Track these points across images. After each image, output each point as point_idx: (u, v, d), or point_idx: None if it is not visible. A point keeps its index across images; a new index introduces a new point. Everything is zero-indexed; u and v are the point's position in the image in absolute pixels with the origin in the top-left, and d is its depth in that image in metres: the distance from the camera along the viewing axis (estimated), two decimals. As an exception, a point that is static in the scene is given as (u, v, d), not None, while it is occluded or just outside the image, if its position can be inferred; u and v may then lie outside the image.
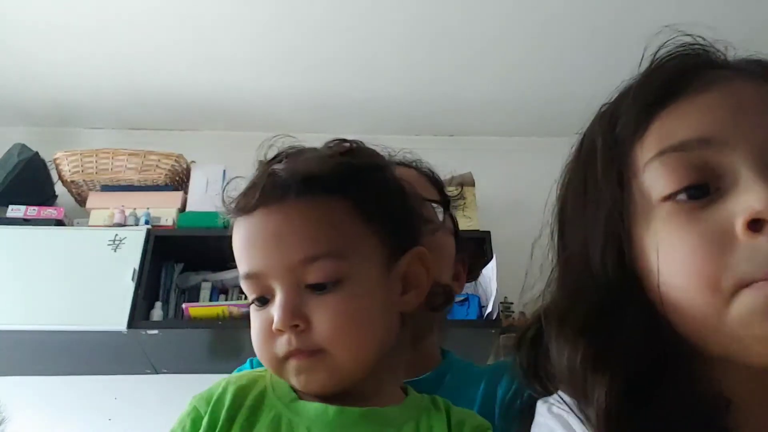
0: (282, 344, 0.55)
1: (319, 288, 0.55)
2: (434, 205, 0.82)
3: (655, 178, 0.44)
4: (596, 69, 2.33)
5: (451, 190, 0.91)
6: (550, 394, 0.50)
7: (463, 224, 2.23)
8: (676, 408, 0.43)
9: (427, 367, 0.79)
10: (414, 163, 0.89)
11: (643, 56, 0.49)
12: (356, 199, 0.58)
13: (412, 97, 2.55)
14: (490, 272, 2.02)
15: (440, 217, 0.82)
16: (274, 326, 0.55)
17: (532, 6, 2.11)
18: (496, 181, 2.49)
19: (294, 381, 0.57)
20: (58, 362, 2.09)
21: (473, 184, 2.37)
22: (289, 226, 0.56)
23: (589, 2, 2.10)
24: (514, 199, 2.47)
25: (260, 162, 0.62)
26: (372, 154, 0.66)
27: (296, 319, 0.54)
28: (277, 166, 0.59)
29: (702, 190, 0.42)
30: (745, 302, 0.39)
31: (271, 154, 0.63)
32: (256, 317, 0.58)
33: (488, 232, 2.21)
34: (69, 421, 2.06)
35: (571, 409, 0.46)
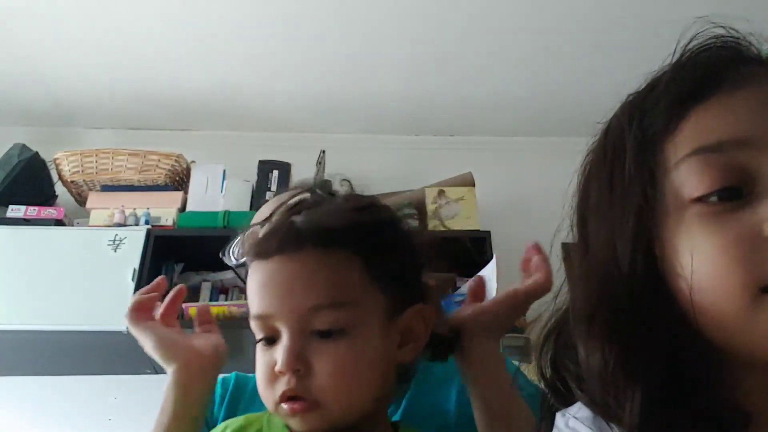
0: (281, 385, 0.59)
1: (324, 335, 0.59)
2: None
3: (686, 178, 0.43)
4: (597, 69, 2.33)
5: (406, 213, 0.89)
6: (567, 397, 0.49)
7: (464, 224, 2.25)
8: (703, 418, 0.42)
9: None
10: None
11: (675, 48, 0.47)
12: (367, 256, 0.62)
13: (412, 97, 2.55)
14: (490, 272, 2.02)
15: None
16: (276, 368, 0.59)
17: (534, 6, 2.11)
18: (496, 181, 2.49)
19: (288, 421, 0.61)
20: (57, 362, 2.09)
21: (473, 184, 2.37)
22: (302, 275, 0.60)
23: (591, 3, 2.10)
24: (514, 199, 2.47)
25: (280, 208, 0.67)
26: (386, 210, 0.70)
27: (298, 364, 0.58)
28: (297, 217, 0.64)
29: (734, 193, 0.41)
30: None
31: (291, 201, 0.68)
32: (261, 357, 0.62)
33: (488, 232, 2.21)
34: (69, 421, 2.07)
35: (589, 422, 0.46)
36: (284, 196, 0.73)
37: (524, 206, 2.39)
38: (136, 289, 1.97)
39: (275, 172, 2.43)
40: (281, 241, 0.62)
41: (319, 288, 0.60)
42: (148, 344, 0.73)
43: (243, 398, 0.83)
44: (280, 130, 2.70)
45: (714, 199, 0.41)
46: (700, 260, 0.41)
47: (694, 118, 0.44)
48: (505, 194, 2.51)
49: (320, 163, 2.42)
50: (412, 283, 0.67)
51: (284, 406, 0.59)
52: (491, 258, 2.21)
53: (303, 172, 2.39)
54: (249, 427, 0.65)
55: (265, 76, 2.44)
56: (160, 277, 0.82)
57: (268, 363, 0.60)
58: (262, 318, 0.61)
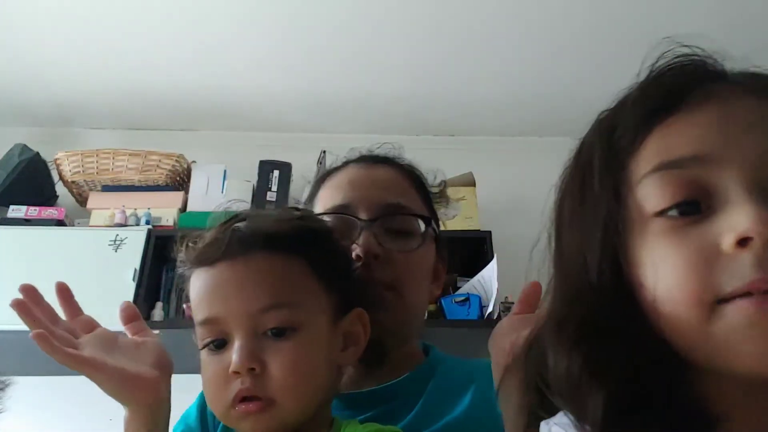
0: (236, 386, 0.59)
1: (275, 334, 0.60)
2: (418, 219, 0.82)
3: (648, 193, 0.45)
4: (597, 70, 2.33)
5: (434, 188, 0.91)
6: (550, 406, 0.50)
7: (464, 224, 2.25)
8: (667, 421, 0.43)
9: (407, 367, 0.77)
10: (396, 159, 0.89)
11: (641, 67, 0.49)
12: (310, 259, 0.65)
13: (412, 97, 2.55)
14: (490, 272, 2.02)
15: (422, 227, 0.81)
16: (231, 368, 0.59)
17: (534, 6, 2.11)
18: (496, 181, 2.49)
19: (240, 425, 0.61)
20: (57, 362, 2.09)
21: (474, 184, 2.37)
22: (251, 277, 0.62)
23: (590, 3, 2.10)
24: (514, 199, 2.47)
25: (219, 222, 0.67)
26: (321, 220, 0.74)
27: (253, 362, 0.59)
28: (240, 224, 0.65)
29: (693, 207, 0.43)
30: (727, 317, 0.40)
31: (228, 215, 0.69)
32: (210, 362, 0.62)
33: (489, 232, 2.21)
34: (69, 421, 2.07)
35: (570, 428, 0.46)
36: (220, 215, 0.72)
37: (525, 206, 2.39)
38: (137, 289, 1.99)
39: (276, 173, 2.43)
40: (227, 247, 0.63)
41: (269, 288, 0.61)
42: (102, 388, 0.68)
43: None
44: (280, 130, 2.70)
45: (674, 213, 0.43)
46: (661, 272, 0.43)
47: (657, 134, 0.46)
48: (506, 194, 2.51)
49: (321, 163, 2.42)
50: (350, 287, 0.68)
51: (238, 408, 0.59)
52: (492, 258, 2.21)
53: (303, 172, 2.39)
54: None
55: (266, 77, 2.44)
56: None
57: (219, 366, 0.61)
58: (212, 322, 0.62)
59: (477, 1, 2.10)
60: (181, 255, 0.68)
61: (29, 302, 0.72)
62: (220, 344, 0.62)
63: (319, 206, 0.83)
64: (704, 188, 0.43)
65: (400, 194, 0.82)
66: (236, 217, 0.68)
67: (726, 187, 0.42)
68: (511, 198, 2.49)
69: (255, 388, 0.59)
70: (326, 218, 0.79)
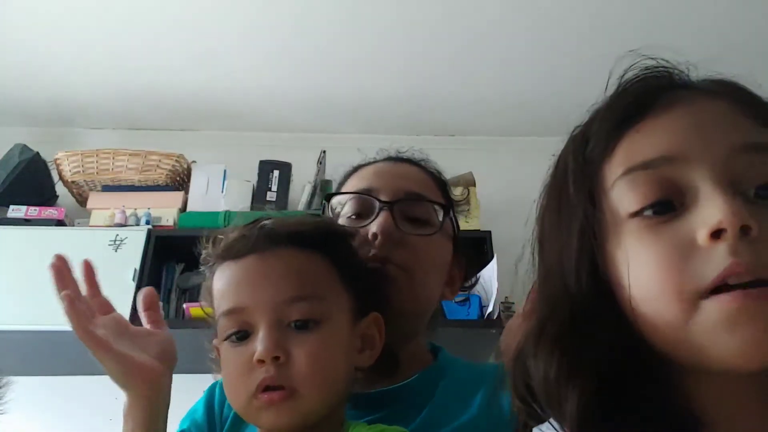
0: (259, 375, 0.59)
1: (299, 327, 0.61)
2: (436, 207, 0.82)
3: (622, 196, 0.46)
4: (596, 70, 2.32)
5: (457, 195, 0.92)
6: (539, 414, 0.50)
7: (464, 224, 2.24)
8: (648, 421, 0.44)
9: (415, 368, 0.77)
10: (421, 162, 0.91)
11: (608, 81, 0.52)
12: (333, 257, 0.66)
13: (412, 97, 2.55)
14: (490, 272, 2.02)
15: (440, 218, 0.82)
16: (256, 356, 0.59)
17: (533, 6, 2.11)
18: (496, 181, 2.49)
19: (260, 416, 0.61)
20: (58, 362, 2.09)
21: (474, 184, 2.37)
22: (278, 269, 0.63)
23: (589, 2, 2.10)
24: (514, 199, 2.46)
25: (241, 224, 0.70)
26: (343, 225, 0.76)
27: (278, 351, 0.59)
28: (267, 222, 0.68)
29: (667, 206, 0.44)
30: (707, 313, 0.40)
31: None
32: (232, 353, 0.63)
33: (489, 232, 2.21)
34: (69, 421, 2.07)
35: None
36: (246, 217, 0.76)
37: (525, 206, 2.38)
38: (137, 289, 1.99)
39: (276, 172, 2.43)
40: (254, 242, 0.65)
41: (295, 281, 0.63)
42: (105, 368, 0.71)
43: None
44: (280, 130, 2.70)
45: (649, 213, 0.44)
46: (638, 271, 0.44)
47: (626, 140, 0.47)
48: (506, 194, 2.51)
49: (321, 163, 2.42)
50: (368, 291, 0.69)
51: (261, 397, 0.59)
52: (492, 258, 2.21)
53: (303, 172, 2.39)
54: None
55: (266, 77, 2.44)
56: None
57: (242, 357, 0.61)
58: (237, 312, 0.63)
59: (477, 2, 2.10)
60: (206, 252, 0.69)
61: (63, 267, 0.75)
62: (242, 336, 0.62)
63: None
64: (675, 187, 0.44)
65: (421, 186, 0.84)
66: (259, 219, 0.70)
67: (696, 183, 0.43)
68: (511, 198, 2.48)
69: (279, 376, 0.59)
70: (347, 199, 0.81)
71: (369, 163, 0.89)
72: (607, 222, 0.47)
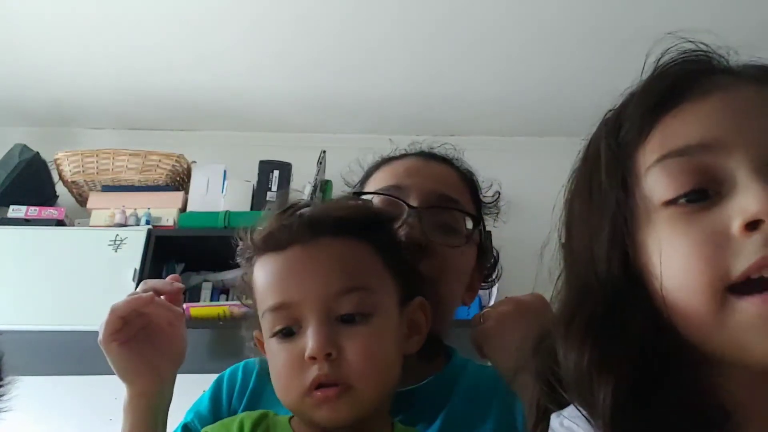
0: (312, 373, 0.58)
1: (349, 320, 0.59)
2: (467, 217, 0.80)
3: (656, 183, 0.45)
4: (597, 69, 2.33)
5: (487, 198, 0.90)
6: (560, 399, 0.50)
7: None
8: (677, 413, 0.43)
9: (428, 370, 0.75)
10: (454, 161, 0.88)
11: (645, 64, 0.50)
12: (377, 244, 0.64)
13: (412, 97, 2.55)
14: (490, 272, 2.02)
15: (469, 227, 0.80)
16: (308, 353, 0.57)
17: (534, 6, 2.11)
18: (496, 181, 2.49)
19: (315, 413, 0.59)
20: (58, 362, 2.09)
21: (474, 184, 2.37)
22: (325, 261, 0.61)
23: (590, 2, 2.10)
24: (514, 199, 2.46)
25: (275, 211, 0.67)
26: (383, 208, 0.73)
27: (331, 347, 0.57)
28: (305, 210, 0.64)
29: (702, 195, 0.42)
30: (741, 312, 0.40)
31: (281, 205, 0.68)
32: (281, 349, 0.61)
33: (489, 232, 2.20)
34: (69, 421, 2.07)
35: (580, 420, 0.46)
36: (281, 200, 0.73)
37: (525, 206, 2.39)
38: (137, 289, 1.98)
39: (276, 173, 2.42)
40: (296, 232, 0.62)
41: (342, 273, 0.60)
42: (111, 363, 0.72)
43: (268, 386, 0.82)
44: (280, 130, 2.70)
45: (683, 201, 0.43)
46: (670, 260, 0.43)
47: (661, 127, 0.46)
48: (506, 194, 2.50)
49: (321, 163, 2.42)
50: (411, 275, 0.67)
51: (315, 394, 0.58)
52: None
53: (304, 173, 2.39)
54: (264, 420, 0.63)
55: (266, 77, 2.44)
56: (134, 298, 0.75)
57: (291, 353, 0.59)
58: (285, 306, 0.60)
59: (477, 2, 2.09)
60: (244, 244, 0.66)
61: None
62: (288, 332, 0.60)
63: (371, 188, 0.82)
64: (711, 175, 0.42)
65: (452, 189, 0.81)
66: (295, 204, 0.67)
67: (733, 171, 0.42)
68: (511, 198, 2.48)
69: (333, 373, 0.57)
70: (374, 199, 0.78)
71: (399, 157, 0.86)
72: (640, 209, 0.46)
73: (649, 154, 0.46)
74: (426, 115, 2.67)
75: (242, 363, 0.83)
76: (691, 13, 2.03)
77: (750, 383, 0.43)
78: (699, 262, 0.41)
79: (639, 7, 2.08)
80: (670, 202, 0.43)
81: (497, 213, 0.92)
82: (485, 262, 0.86)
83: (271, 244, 0.63)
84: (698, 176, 0.43)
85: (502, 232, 2.18)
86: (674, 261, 0.42)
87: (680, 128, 0.45)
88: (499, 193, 0.94)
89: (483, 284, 0.88)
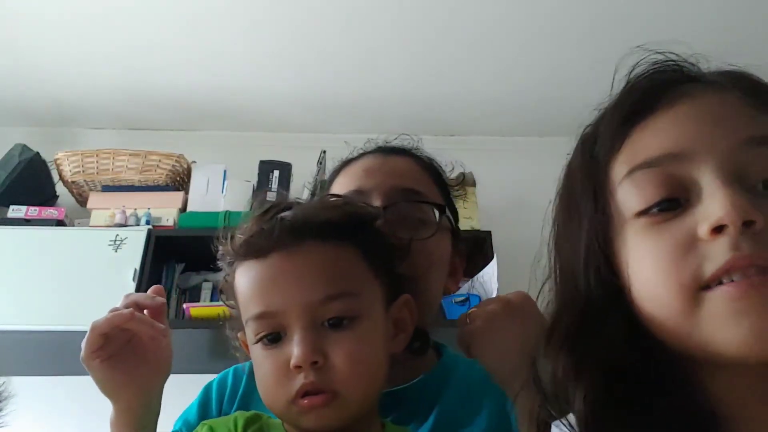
0: (298, 381, 0.57)
1: (334, 325, 0.58)
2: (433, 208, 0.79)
3: (627, 196, 0.46)
4: (597, 70, 2.33)
5: (451, 181, 0.89)
6: (559, 408, 0.50)
7: (464, 224, 2.24)
8: (663, 418, 0.43)
9: (420, 369, 0.75)
10: (413, 151, 0.87)
11: (613, 79, 0.51)
12: (361, 246, 0.63)
13: (412, 97, 2.55)
14: (490, 272, 2.02)
15: (437, 216, 0.78)
16: (293, 362, 0.57)
17: (533, 5, 2.11)
18: (496, 181, 2.49)
19: (302, 419, 0.59)
20: (58, 362, 2.09)
21: (474, 184, 2.37)
22: (309, 267, 0.60)
23: (590, 2, 2.10)
24: (514, 199, 2.47)
25: (254, 214, 0.66)
26: (366, 206, 0.71)
27: (317, 356, 0.57)
28: (287, 214, 0.63)
29: (673, 204, 0.43)
30: (710, 305, 0.40)
31: (261, 208, 0.67)
32: (266, 356, 0.60)
33: (489, 232, 2.21)
34: (69, 421, 2.06)
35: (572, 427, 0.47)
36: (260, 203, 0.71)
37: (525, 206, 2.39)
38: (137, 289, 1.99)
39: (276, 173, 2.43)
40: (278, 238, 0.60)
41: (327, 279, 0.59)
42: (94, 380, 0.71)
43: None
44: (280, 130, 2.70)
45: (654, 211, 0.44)
46: (642, 268, 0.44)
47: (632, 139, 0.47)
48: (506, 194, 2.51)
49: (321, 163, 2.42)
50: (396, 273, 0.67)
51: (302, 402, 0.57)
52: (492, 258, 2.21)
53: (304, 173, 2.39)
54: (257, 421, 0.63)
55: (266, 77, 2.44)
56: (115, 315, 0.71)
57: (277, 361, 0.59)
58: (269, 315, 0.59)
59: (477, 2, 2.09)
60: (224, 248, 0.65)
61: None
62: (274, 338, 0.59)
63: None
64: (681, 184, 0.43)
65: (414, 182, 0.80)
66: (276, 206, 0.66)
67: (700, 179, 0.43)
68: (511, 198, 2.49)
69: (319, 381, 0.57)
70: None
71: (357, 158, 0.85)
72: (615, 221, 0.47)
73: (620, 166, 0.47)
74: (426, 115, 2.67)
75: (231, 368, 0.82)
76: (690, 14, 2.03)
77: (733, 384, 0.44)
78: (670, 266, 0.42)
79: (639, 7, 2.08)
80: (642, 213, 0.44)
81: (464, 195, 0.91)
82: (462, 245, 0.84)
83: (251, 250, 0.62)
84: (667, 186, 0.44)
85: (502, 232, 2.19)
86: (644, 269, 0.43)
87: (648, 140, 0.46)
88: (464, 175, 0.93)
89: (468, 268, 0.87)
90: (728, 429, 0.43)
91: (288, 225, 0.61)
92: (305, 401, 0.57)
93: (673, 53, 0.50)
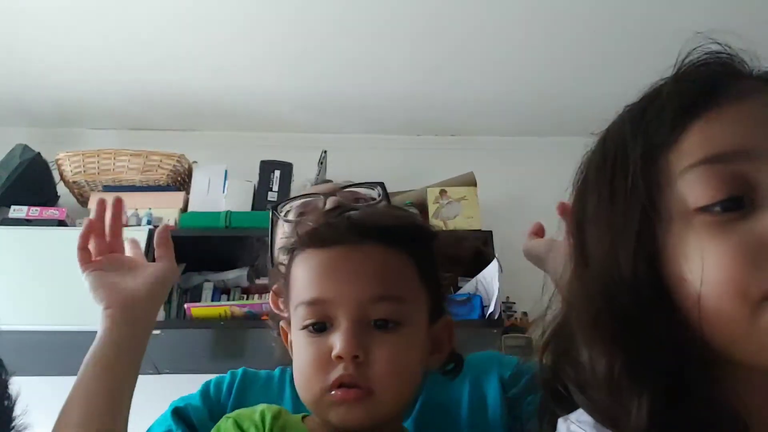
0: (336, 371, 0.58)
1: (380, 326, 0.60)
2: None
3: (690, 188, 0.44)
4: (598, 70, 2.33)
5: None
6: (567, 402, 0.49)
7: (465, 224, 2.25)
8: (702, 423, 0.43)
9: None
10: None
11: (677, 61, 0.49)
12: (418, 258, 0.65)
13: (413, 97, 2.55)
14: (492, 272, 2.02)
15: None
16: (335, 352, 0.58)
17: (534, 5, 2.11)
18: (497, 181, 2.49)
19: (331, 411, 0.60)
20: (59, 362, 2.09)
21: (475, 184, 2.37)
22: (366, 266, 0.62)
23: (592, 4, 2.09)
24: (515, 199, 2.47)
25: (320, 209, 0.73)
26: (426, 224, 0.75)
27: (359, 350, 0.58)
28: (353, 213, 0.66)
29: (737, 203, 0.42)
30: None
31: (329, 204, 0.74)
32: (309, 343, 0.61)
33: (490, 232, 2.21)
34: (71, 421, 2.07)
35: (588, 426, 0.46)
36: (323, 187, 0.78)
37: (526, 206, 2.39)
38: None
39: (277, 173, 2.43)
40: (343, 233, 0.63)
41: (381, 279, 0.62)
42: (88, 286, 0.79)
43: (252, 390, 0.81)
44: (281, 130, 2.70)
45: (717, 209, 0.42)
46: (707, 267, 0.42)
47: (697, 129, 0.45)
48: (507, 194, 2.51)
49: (322, 163, 2.42)
50: (443, 292, 0.69)
51: (335, 393, 0.58)
52: (493, 258, 2.21)
53: (305, 173, 2.39)
54: (280, 417, 0.63)
55: (267, 77, 2.44)
56: (97, 202, 0.88)
57: (319, 349, 0.60)
58: (320, 303, 0.61)
59: (478, 2, 2.09)
60: (287, 236, 0.69)
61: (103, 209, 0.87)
62: (320, 327, 0.61)
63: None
64: (747, 183, 0.42)
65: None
66: (343, 206, 0.70)
67: (764, 181, 0.41)
68: (512, 198, 2.49)
69: (356, 375, 0.58)
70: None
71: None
72: (669, 213, 0.45)
73: (682, 157, 0.45)
74: (426, 115, 2.67)
75: (229, 372, 0.84)
76: (690, 13, 2.03)
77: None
78: (732, 271, 0.41)
79: (639, 7, 2.08)
80: (704, 209, 0.43)
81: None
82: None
83: (316, 240, 0.64)
84: (734, 184, 0.42)
85: (502, 232, 2.19)
86: (710, 267, 0.42)
87: (718, 133, 0.44)
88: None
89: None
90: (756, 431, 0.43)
91: (353, 223, 0.64)
92: (339, 393, 0.58)
93: (729, 46, 0.49)
